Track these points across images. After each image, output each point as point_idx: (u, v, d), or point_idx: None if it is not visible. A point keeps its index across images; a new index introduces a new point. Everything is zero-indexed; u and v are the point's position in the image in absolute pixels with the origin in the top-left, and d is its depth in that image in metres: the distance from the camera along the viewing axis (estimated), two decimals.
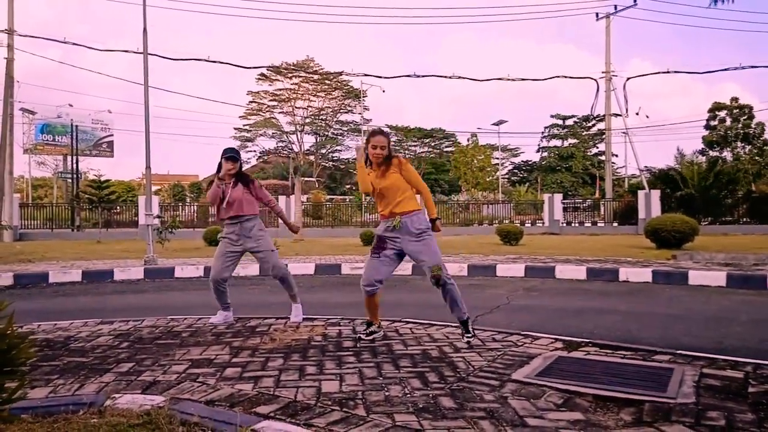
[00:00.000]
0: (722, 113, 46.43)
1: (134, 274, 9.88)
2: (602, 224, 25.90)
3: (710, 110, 46.58)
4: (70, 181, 31.72)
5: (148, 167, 11.89)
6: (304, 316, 5.19)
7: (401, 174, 4.19)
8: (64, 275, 9.54)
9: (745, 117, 45.59)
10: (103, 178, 25.88)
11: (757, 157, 44.52)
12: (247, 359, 3.78)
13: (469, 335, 4.15)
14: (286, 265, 5.25)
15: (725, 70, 26.92)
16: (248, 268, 9.84)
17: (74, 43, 25.74)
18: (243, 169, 5.26)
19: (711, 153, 44.66)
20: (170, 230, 13.93)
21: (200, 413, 2.66)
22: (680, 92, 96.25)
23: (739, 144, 45.77)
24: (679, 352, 3.87)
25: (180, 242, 16.19)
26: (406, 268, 9.69)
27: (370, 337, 4.22)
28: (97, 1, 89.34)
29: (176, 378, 3.35)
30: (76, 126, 32.50)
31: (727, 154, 45.25)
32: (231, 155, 5.07)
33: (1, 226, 18.73)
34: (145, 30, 11.82)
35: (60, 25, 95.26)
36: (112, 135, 37.08)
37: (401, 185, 4.18)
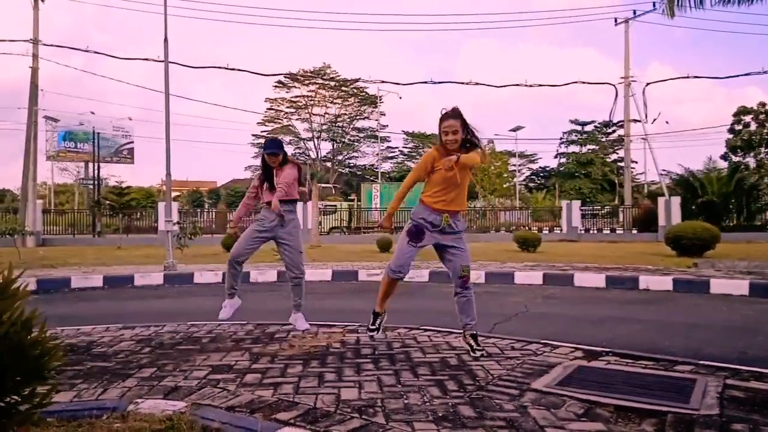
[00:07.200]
0: (747, 118, 45.54)
1: (154, 280, 10.00)
2: (621, 231, 25.63)
3: (735, 114, 45.75)
4: (91, 187, 32.24)
5: (168, 174, 12.04)
6: (322, 323, 5.21)
7: (471, 170, 3.97)
8: (85, 280, 9.69)
9: None
10: (123, 185, 26.26)
11: None
12: (266, 365, 3.80)
13: (480, 349, 4.02)
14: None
15: (747, 74, 26.83)
16: (266, 273, 9.91)
17: (97, 52, 26.31)
18: (253, 174, 5.21)
19: (734, 158, 43.90)
20: (191, 237, 14.09)
21: (221, 419, 2.69)
22: (701, 97, 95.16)
23: (763, 150, 44.92)
24: (701, 362, 3.82)
25: (199, 248, 16.35)
26: (423, 274, 9.68)
27: (380, 332, 4.16)
28: (119, 11, 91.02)
29: (197, 383, 3.39)
30: (98, 133, 33.02)
31: (751, 160, 44.45)
32: (272, 151, 4.98)
33: (24, 231, 19.05)
34: (166, 39, 12.00)
35: (82, 34, 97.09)
36: (132, 142, 37.59)
37: (466, 184, 4.01)
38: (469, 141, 3.97)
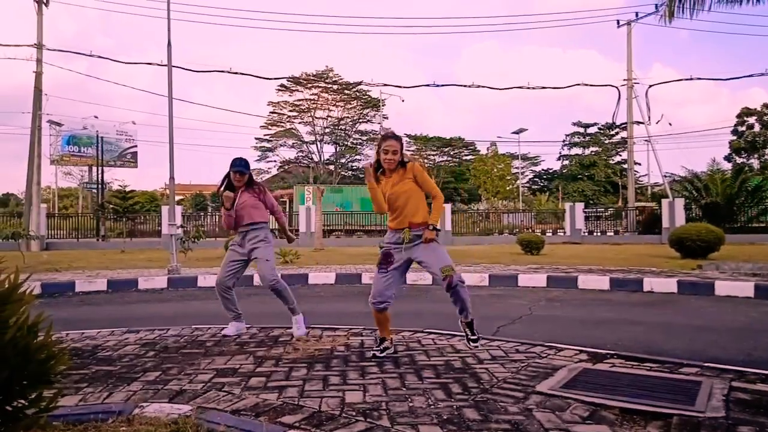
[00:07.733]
0: (751, 119, 45.34)
1: (158, 284, 10.02)
2: (625, 233, 25.56)
3: (739, 115, 45.57)
4: (95, 191, 32.37)
5: (171, 178, 12.08)
6: (326, 326, 5.21)
7: (416, 180, 4.08)
8: (90, 284, 9.70)
9: None
10: (127, 189, 26.24)
11: None
12: (271, 369, 3.81)
13: (475, 337, 4.06)
14: (276, 280, 4.98)
15: (750, 76, 26.78)
16: None
17: (100, 56, 26.47)
18: (255, 178, 5.26)
19: (738, 159, 43.76)
20: (194, 240, 14.12)
21: (226, 422, 2.69)
22: (704, 98, 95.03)
23: (767, 151, 44.72)
24: (706, 364, 3.81)
25: (202, 251, 16.38)
26: (426, 277, 9.68)
27: (384, 354, 4.12)
28: (123, 15, 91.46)
29: (202, 387, 3.39)
30: (101, 137, 33.21)
31: (755, 161, 44.31)
32: (239, 169, 5.04)
33: (28, 235, 19.11)
34: (169, 43, 12.05)
35: (86, 39, 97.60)
36: (135, 146, 37.76)
37: (415, 194, 4.06)
38: (403, 162, 4.15)
